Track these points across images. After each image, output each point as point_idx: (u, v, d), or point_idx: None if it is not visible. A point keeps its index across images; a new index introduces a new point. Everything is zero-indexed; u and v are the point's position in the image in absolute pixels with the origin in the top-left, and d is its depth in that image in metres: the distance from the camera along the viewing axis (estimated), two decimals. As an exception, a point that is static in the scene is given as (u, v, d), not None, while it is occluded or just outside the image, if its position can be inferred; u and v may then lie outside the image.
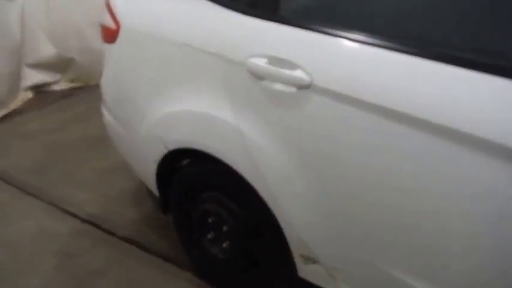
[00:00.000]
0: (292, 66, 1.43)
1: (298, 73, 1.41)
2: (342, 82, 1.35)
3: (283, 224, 1.63)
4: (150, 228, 2.49)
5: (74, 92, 4.38)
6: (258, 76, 1.51)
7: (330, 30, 1.40)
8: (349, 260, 1.55)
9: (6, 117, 3.87)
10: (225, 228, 1.87)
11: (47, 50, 4.17)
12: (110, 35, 1.96)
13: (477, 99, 1.18)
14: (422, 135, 1.23)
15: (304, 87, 1.41)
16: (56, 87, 4.39)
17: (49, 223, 2.57)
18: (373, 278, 1.51)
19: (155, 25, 1.80)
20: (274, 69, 1.47)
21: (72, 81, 4.44)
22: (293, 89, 1.44)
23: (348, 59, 1.37)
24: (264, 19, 1.52)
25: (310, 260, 1.65)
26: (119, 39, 1.92)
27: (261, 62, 1.49)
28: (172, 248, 2.32)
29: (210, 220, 1.92)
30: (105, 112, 2.30)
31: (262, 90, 1.51)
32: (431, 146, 1.23)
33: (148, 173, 2.05)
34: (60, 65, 4.30)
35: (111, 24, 1.94)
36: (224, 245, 1.91)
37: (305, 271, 1.70)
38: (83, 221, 2.58)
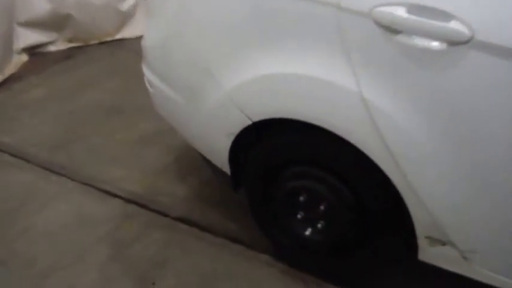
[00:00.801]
0: (445, 16, 1.14)
1: (453, 25, 1.14)
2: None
3: (413, 205, 1.40)
4: (207, 206, 2.23)
5: (73, 53, 3.95)
6: (390, 29, 1.22)
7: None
8: (494, 241, 1.34)
9: (2, 85, 3.45)
10: (322, 207, 1.63)
11: (41, 6, 3.69)
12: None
13: None
14: None
15: (460, 42, 1.14)
16: (53, 48, 3.95)
17: (87, 206, 2.27)
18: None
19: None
20: (417, 21, 1.18)
21: (70, 40, 3.99)
22: (443, 45, 1.17)
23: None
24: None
25: (438, 242, 1.44)
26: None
27: (397, 12, 1.19)
28: (239, 228, 2.08)
29: (301, 198, 1.67)
30: (150, 76, 1.97)
31: (396, 47, 1.23)
32: None
33: (217, 148, 1.77)
34: (56, 22, 3.83)
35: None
36: (319, 225, 1.68)
37: (429, 254, 1.49)
38: (127, 201, 2.29)
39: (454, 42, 1.15)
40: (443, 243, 1.43)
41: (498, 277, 1.39)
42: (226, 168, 1.83)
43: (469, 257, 1.41)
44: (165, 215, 2.19)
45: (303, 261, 1.86)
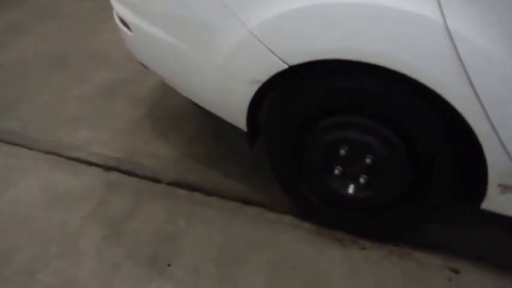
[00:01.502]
0: None
1: None
2: None
3: (491, 150, 1.21)
4: (203, 166, 1.94)
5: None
6: None
7: None
8: None
9: None
10: (368, 160, 1.42)
11: None
12: None
13: None
14: None
15: None
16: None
17: (58, 180, 1.89)
18: None
19: None
20: None
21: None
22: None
23: None
24: None
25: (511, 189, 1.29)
26: None
27: None
28: (251, 188, 1.83)
29: (342, 152, 1.44)
30: (132, 18, 1.59)
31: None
32: None
33: (235, 99, 1.47)
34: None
35: None
36: (361, 180, 1.47)
37: (497, 202, 1.34)
38: (106, 169, 1.93)
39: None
40: (517, 189, 1.29)
41: None
42: (241, 122, 1.54)
43: (548, 202, 1.28)
44: (157, 181, 1.88)
45: (334, 220, 1.66)
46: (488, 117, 1.16)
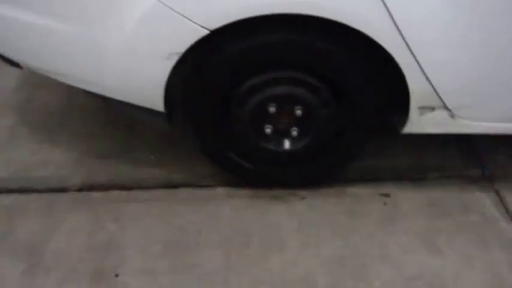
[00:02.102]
0: None
1: None
2: None
3: (413, 79, 1.31)
4: (110, 161, 1.75)
5: None
6: None
7: None
8: (481, 92, 1.39)
9: None
10: (298, 112, 1.42)
11: None
12: None
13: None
14: None
15: None
16: None
17: None
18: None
19: None
20: None
21: None
22: None
23: None
24: None
25: (428, 109, 1.42)
26: None
27: None
28: (170, 171, 1.72)
29: (271, 110, 1.42)
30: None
31: None
32: None
33: (149, 78, 1.34)
34: None
35: None
36: (294, 133, 1.48)
37: (418, 124, 1.46)
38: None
39: None
40: (433, 109, 1.42)
41: (481, 124, 1.46)
42: (156, 103, 1.41)
43: (457, 113, 1.43)
44: (63, 190, 1.65)
45: (269, 178, 1.65)
46: (408, 47, 1.24)
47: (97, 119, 1.93)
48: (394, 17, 1.18)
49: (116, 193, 1.64)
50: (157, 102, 1.40)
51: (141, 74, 1.33)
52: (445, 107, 1.41)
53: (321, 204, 1.61)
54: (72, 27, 1.27)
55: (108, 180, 1.68)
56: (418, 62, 1.27)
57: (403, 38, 1.21)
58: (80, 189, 1.65)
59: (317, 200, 1.63)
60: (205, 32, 1.21)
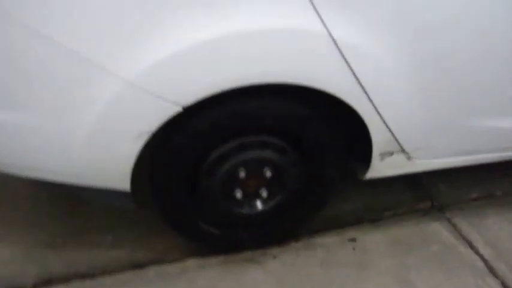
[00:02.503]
0: None
1: None
2: None
3: (375, 130, 1.38)
4: (65, 250, 1.60)
5: None
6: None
7: None
8: (434, 134, 1.50)
9: None
10: (268, 173, 1.42)
11: None
12: None
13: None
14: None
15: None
16: None
17: None
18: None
19: None
20: None
21: None
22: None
23: None
24: None
25: (388, 154, 1.50)
26: None
27: None
28: (131, 251, 1.61)
29: (241, 175, 1.40)
30: None
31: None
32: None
33: (117, 159, 1.26)
34: None
35: None
36: (264, 194, 1.47)
37: (378, 168, 1.53)
38: None
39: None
40: (391, 154, 1.51)
41: (436, 160, 1.58)
42: (123, 183, 1.33)
43: (413, 155, 1.53)
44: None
45: (239, 241, 1.61)
46: (374, 105, 1.32)
47: (43, 206, 1.77)
48: (363, 84, 1.25)
49: (76, 284, 1.50)
50: (123, 183, 1.32)
51: (108, 157, 1.24)
52: (403, 151, 1.50)
53: (293, 260, 1.61)
54: (33, 120, 1.16)
55: (65, 271, 1.53)
56: (382, 119, 1.35)
57: (371, 101, 1.29)
58: (34, 286, 1.48)
59: (289, 256, 1.62)
60: (178, 109, 1.18)
